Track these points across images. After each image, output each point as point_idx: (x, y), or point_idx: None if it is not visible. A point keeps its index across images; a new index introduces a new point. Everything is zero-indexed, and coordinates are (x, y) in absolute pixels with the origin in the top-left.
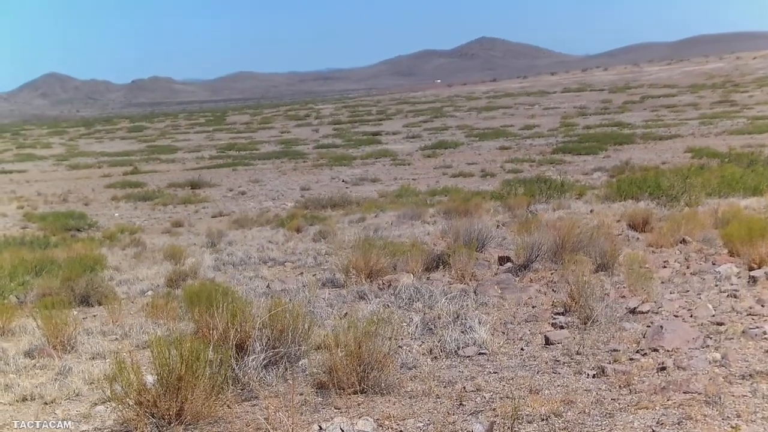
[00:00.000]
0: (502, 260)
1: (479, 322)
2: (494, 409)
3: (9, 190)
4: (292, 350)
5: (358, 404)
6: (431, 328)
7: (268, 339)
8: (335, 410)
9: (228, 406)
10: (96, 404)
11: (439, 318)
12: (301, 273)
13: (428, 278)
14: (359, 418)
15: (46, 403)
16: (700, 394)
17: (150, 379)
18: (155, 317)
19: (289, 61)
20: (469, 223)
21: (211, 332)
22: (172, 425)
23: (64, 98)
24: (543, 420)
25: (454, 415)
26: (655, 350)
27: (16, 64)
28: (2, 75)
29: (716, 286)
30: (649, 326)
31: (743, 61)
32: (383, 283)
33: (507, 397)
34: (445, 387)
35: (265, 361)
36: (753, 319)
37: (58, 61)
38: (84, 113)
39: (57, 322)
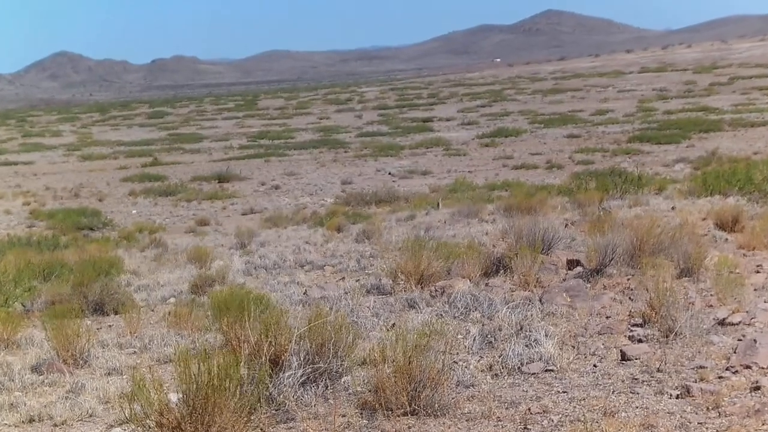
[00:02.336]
0: (572, 264)
1: (546, 335)
2: None
3: (14, 184)
4: (333, 366)
5: (409, 427)
6: (491, 342)
7: (307, 353)
8: None
9: (261, 428)
10: (112, 426)
11: (500, 330)
12: (343, 278)
13: (487, 284)
14: None
15: (55, 425)
16: None
17: (173, 397)
18: (178, 328)
19: (330, 39)
20: (533, 221)
21: (241, 345)
22: None
23: (75, 80)
24: None
25: None
26: (748, 367)
27: (22, 42)
28: (6, 54)
29: None
30: (740, 340)
31: None
32: (436, 290)
33: (578, 420)
34: (507, 408)
35: (302, 378)
36: None
37: (69, 38)
38: (98, 97)
39: (68, 333)
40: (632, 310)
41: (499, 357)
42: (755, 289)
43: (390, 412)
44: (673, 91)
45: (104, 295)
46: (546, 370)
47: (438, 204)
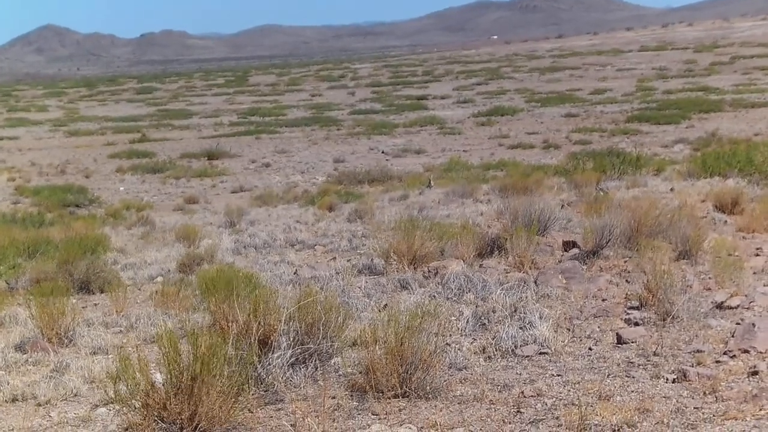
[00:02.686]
0: (568, 245)
1: (540, 317)
2: (557, 418)
3: None
4: (323, 347)
5: (399, 410)
6: (484, 323)
7: (296, 333)
8: (373, 416)
9: (249, 410)
10: (97, 406)
11: (494, 311)
12: (334, 258)
13: (481, 265)
14: (400, 425)
15: (39, 405)
16: None
17: (159, 378)
18: (165, 307)
19: (322, 13)
20: (528, 202)
21: (229, 325)
22: (184, 431)
23: (62, 54)
24: (614, 431)
25: (510, 423)
26: (746, 351)
27: (7, 15)
28: None
29: None
30: (738, 323)
31: None
32: (429, 271)
33: (572, 404)
34: (500, 391)
35: (292, 359)
36: None
37: (56, 11)
38: (85, 72)
39: (53, 311)
40: (629, 293)
41: (493, 339)
42: (754, 273)
43: (381, 395)
44: (673, 71)
45: (90, 274)
46: (540, 353)
47: (429, 182)
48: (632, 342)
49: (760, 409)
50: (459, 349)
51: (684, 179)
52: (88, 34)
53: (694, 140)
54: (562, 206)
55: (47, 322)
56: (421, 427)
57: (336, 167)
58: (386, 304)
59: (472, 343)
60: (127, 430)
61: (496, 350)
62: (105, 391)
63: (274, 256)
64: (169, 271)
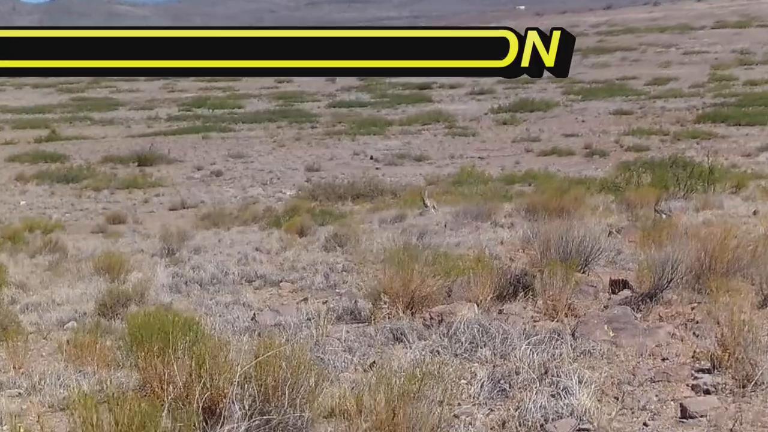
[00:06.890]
0: (616, 286)
1: (579, 381)
2: None
3: None
4: (289, 417)
5: None
6: (505, 389)
7: (254, 400)
8: None
9: None
10: None
11: (518, 373)
12: (305, 299)
13: (501, 311)
14: None
15: None
16: None
17: None
18: (79, 362)
19: None
20: (565, 227)
21: (165, 387)
22: None
23: None
24: None
25: None
26: None
27: None
28: None
29: None
30: None
31: None
32: (431, 317)
33: None
34: None
35: None
36: None
37: None
38: None
39: None
40: (697, 350)
41: (516, 410)
42: None
43: None
44: (759, 54)
45: None
46: (579, 430)
47: (424, 200)
48: (701, 416)
49: None
50: (471, 423)
51: None
52: None
53: None
54: (610, 233)
55: None
56: None
57: (309, 178)
58: (374, 362)
59: (488, 415)
60: None
61: (519, 425)
62: None
63: (225, 295)
64: (84, 314)
